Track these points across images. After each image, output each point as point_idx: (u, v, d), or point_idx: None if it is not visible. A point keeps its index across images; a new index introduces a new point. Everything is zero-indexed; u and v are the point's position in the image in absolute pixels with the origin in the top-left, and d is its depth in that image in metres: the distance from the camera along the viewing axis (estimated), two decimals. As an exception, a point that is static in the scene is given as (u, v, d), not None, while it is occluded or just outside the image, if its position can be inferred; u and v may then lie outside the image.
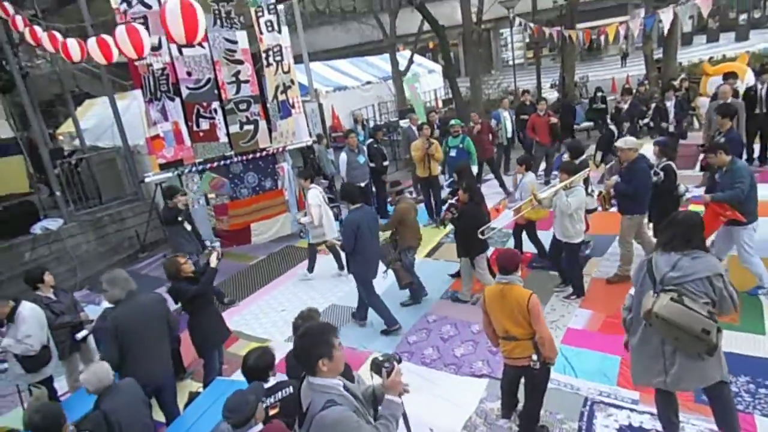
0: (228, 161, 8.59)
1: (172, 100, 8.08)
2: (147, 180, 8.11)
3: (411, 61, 18.92)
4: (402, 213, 6.33)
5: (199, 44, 8.03)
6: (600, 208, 6.88)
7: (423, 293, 6.67)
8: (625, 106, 9.85)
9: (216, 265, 5.05)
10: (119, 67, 21.74)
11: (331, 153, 10.90)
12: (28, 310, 4.68)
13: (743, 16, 32.58)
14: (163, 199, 7.16)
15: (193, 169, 8.39)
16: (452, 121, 9.55)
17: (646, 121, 10.25)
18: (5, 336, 4.66)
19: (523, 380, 4.12)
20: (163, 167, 8.04)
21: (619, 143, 6.17)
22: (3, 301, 4.63)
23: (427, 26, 17.46)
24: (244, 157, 8.71)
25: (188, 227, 7.04)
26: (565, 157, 7.49)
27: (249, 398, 3.14)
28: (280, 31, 8.71)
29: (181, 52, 7.98)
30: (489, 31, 32.62)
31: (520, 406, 4.31)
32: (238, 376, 5.36)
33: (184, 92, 8.10)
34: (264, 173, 8.99)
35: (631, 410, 4.29)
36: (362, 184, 8.98)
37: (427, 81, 21.07)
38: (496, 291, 3.92)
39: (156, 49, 7.68)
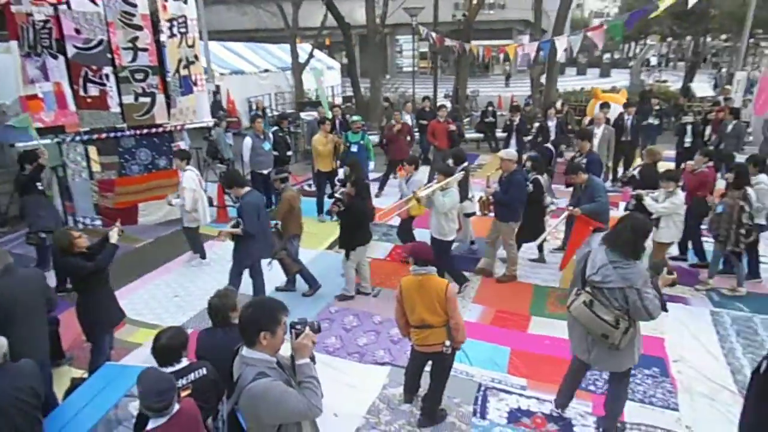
0: (119, 134, 7.91)
1: (55, 57, 7.26)
2: (19, 146, 7.18)
3: (311, 55, 18.85)
4: (291, 200, 6.42)
5: (91, 0, 7.34)
6: (479, 213, 7.52)
7: (316, 283, 6.70)
8: (516, 121, 10.71)
9: (116, 240, 4.66)
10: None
11: (230, 137, 10.50)
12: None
13: (607, 55, 36.93)
14: (19, 163, 6.28)
15: (77, 138, 7.61)
16: (354, 117, 9.71)
17: (529, 138, 11.21)
18: None
19: (429, 366, 4.34)
20: (41, 132, 7.19)
21: (500, 154, 6.87)
22: None
23: (329, 21, 17.52)
24: (138, 132, 8.08)
25: (49, 199, 6.26)
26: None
27: (167, 376, 2.99)
28: (186, 2, 8.21)
29: (69, 6, 7.21)
30: (386, 36, 33.43)
31: (421, 391, 4.55)
32: (126, 362, 5.06)
33: (70, 51, 7.31)
34: (159, 151, 8.40)
35: (520, 395, 4.71)
36: (265, 172, 8.78)
37: (326, 77, 21.10)
38: (414, 281, 4.09)
39: (37, -2, 6.87)
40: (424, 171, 9.65)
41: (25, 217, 6.03)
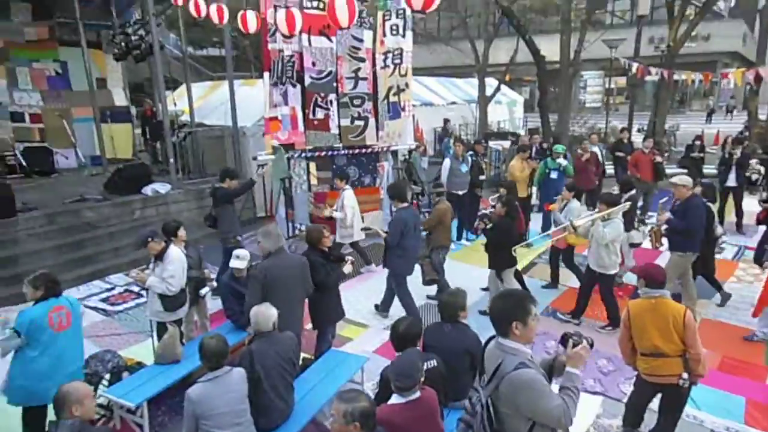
0: (334, 152, 8.86)
1: (294, 86, 8.46)
2: (259, 158, 8.43)
3: (498, 89, 19.11)
4: (441, 213, 6.72)
5: (327, 37, 8.41)
6: (650, 245, 6.94)
7: None
8: (737, 155, 9.57)
9: (348, 271, 5.41)
10: (209, 58, 22.79)
11: (425, 161, 11.05)
12: (174, 252, 4.95)
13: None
14: (221, 178, 7.19)
15: (302, 155, 8.69)
16: (556, 146, 9.56)
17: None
18: (152, 274, 4.92)
19: (658, 399, 4.01)
20: (275, 149, 8.38)
21: (674, 179, 6.19)
22: (158, 239, 4.91)
23: (520, 57, 17.65)
24: (350, 151, 8.97)
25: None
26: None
27: (418, 363, 3.19)
28: (404, 36, 8.98)
29: (310, 43, 8.36)
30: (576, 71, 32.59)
31: (644, 426, 4.21)
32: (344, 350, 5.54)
33: (307, 80, 8.46)
34: (365, 169, 9.21)
35: (763, 451, 4.10)
36: (460, 193, 9.04)
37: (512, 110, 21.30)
38: (646, 305, 3.86)
39: (288, 37, 8.06)
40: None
41: (220, 225, 6.98)
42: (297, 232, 8.95)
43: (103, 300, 7.24)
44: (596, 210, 6.31)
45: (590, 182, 9.42)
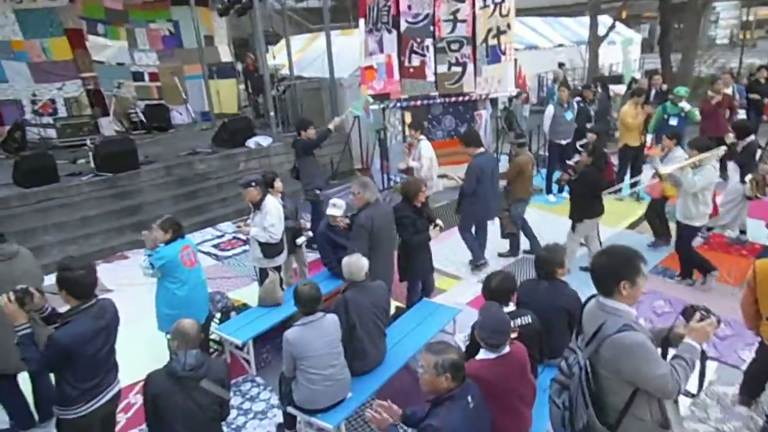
0: (430, 101, 8.63)
1: (390, 32, 8.26)
2: (353, 110, 8.44)
3: (612, 27, 17.42)
4: (521, 164, 6.43)
5: (423, -21, 8.04)
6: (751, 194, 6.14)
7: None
8: None
9: (435, 236, 5.22)
10: (308, 11, 22.84)
11: (526, 110, 10.47)
12: (271, 202, 5.14)
13: None
14: (297, 130, 7.26)
15: (397, 104, 8.57)
16: (677, 89, 8.56)
17: None
18: (253, 224, 5.17)
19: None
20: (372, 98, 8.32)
21: None
22: (260, 188, 5.12)
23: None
24: (446, 100, 8.69)
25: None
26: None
27: (507, 318, 3.09)
28: (505, -29, 8.38)
29: (404, -16, 8.06)
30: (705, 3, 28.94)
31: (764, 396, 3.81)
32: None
33: (403, 26, 8.22)
34: (462, 118, 8.91)
35: None
36: (563, 142, 8.48)
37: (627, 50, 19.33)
38: (777, 265, 3.40)
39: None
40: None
41: (302, 177, 7.05)
42: (392, 184, 8.96)
43: (214, 246, 7.80)
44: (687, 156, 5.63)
45: (720, 129, 8.38)
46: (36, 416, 4.10)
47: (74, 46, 11.22)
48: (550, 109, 8.63)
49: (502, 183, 6.75)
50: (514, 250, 6.85)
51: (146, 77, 12.48)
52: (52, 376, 3.80)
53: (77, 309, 3.05)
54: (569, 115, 8.48)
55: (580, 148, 6.58)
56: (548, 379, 3.62)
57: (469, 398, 2.61)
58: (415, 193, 4.95)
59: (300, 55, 12.91)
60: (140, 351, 4.51)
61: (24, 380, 4.04)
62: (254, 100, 13.12)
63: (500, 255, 6.81)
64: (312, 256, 6.47)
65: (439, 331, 4.76)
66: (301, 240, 5.88)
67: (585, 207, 5.94)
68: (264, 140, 9.84)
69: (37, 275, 4.01)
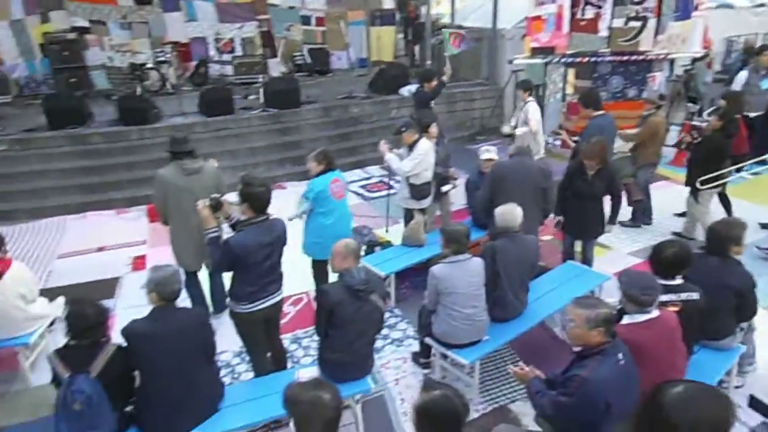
0: (598, 58, 8.00)
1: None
2: (516, 62, 8.15)
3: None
4: (656, 126, 6.10)
5: None
6: None
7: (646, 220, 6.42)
8: None
9: None
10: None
11: (709, 75, 9.26)
12: (424, 144, 5.24)
13: None
14: (419, 81, 7.19)
15: (562, 60, 8.08)
16: None
17: None
18: (403, 162, 5.32)
19: None
20: (535, 52, 7.94)
21: None
22: (412, 131, 5.24)
23: None
24: (617, 58, 7.98)
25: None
26: None
27: (655, 279, 2.93)
28: None
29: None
30: None
31: None
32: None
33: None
34: (632, 80, 8.14)
35: None
36: (752, 115, 7.39)
37: None
38: None
39: None
40: None
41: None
42: (546, 146, 8.55)
43: (362, 187, 8.20)
44: None
45: None
46: (211, 308, 4.78)
47: (253, -11, 12.12)
48: (742, 75, 7.54)
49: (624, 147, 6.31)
50: (640, 218, 6.42)
51: (313, 21, 13.11)
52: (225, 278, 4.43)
53: (250, 221, 3.45)
54: (765, 84, 7.33)
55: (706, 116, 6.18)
56: (703, 359, 3.38)
57: (620, 355, 2.53)
58: (593, 156, 4.67)
59: (463, 3, 12.64)
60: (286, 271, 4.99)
61: (204, 279, 4.73)
62: (411, 49, 13.21)
63: (622, 224, 6.22)
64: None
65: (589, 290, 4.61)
66: (447, 187, 5.94)
67: (702, 175, 5.45)
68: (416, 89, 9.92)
69: (220, 189, 4.54)
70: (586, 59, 7.97)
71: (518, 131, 6.90)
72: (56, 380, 2.95)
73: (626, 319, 2.86)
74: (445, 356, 3.96)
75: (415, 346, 4.41)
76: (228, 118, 8.86)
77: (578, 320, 2.53)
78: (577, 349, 2.61)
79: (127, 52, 11.46)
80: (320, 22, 13.11)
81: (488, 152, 5.26)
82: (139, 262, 6.10)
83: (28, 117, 9.07)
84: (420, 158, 5.17)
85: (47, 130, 8.27)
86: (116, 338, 3.10)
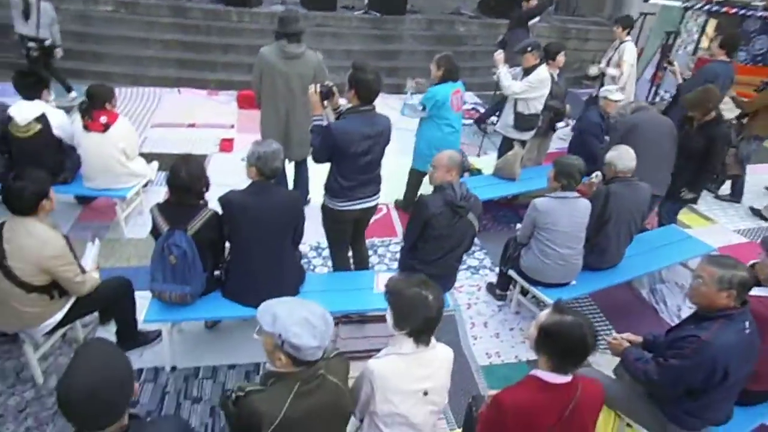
0: (748, 12, 7.04)
1: None
2: (651, 1, 7.30)
3: None
4: None
5: None
6: None
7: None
8: None
9: None
10: None
11: None
12: (542, 71, 4.85)
13: None
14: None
15: (705, 7, 7.17)
16: None
17: None
18: (515, 81, 4.95)
19: None
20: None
21: None
22: (536, 53, 4.84)
23: None
24: (771, 14, 7.01)
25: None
26: None
27: None
28: None
29: None
30: None
31: None
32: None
33: None
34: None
35: None
36: None
37: None
38: None
39: None
40: None
41: (508, 48, 6.25)
42: (658, 99, 7.84)
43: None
44: None
45: None
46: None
47: None
48: None
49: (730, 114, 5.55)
50: (737, 194, 5.91)
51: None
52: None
53: (355, 109, 3.27)
54: None
55: None
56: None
57: (747, 323, 2.29)
58: (693, 105, 4.17)
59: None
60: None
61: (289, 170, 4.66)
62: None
63: (719, 198, 5.95)
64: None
65: (679, 262, 4.28)
66: (561, 125, 5.55)
67: None
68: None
69: (318, 79, 4.35)
70: (734, 10, 7.03)
71: (609, 71, 6.16)
72: (155, 232, 3.03)
73: (755, 291, 2.59)
74: (524, 292, 3.82)
75: (490, 277, 4.30)
76: (329, 14, 8.57)
77: (708, 278, 2.29)
78: (697, 309, 2.39)
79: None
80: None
81: (616, 93, 4.80)
82: (226, 144, 6.18)
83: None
84: (535, 84, 4.80)
85: (152, -2, 8.30)
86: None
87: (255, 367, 3.32)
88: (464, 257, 4.34)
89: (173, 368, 3.26)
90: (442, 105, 4.39)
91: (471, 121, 7.32)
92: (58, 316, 2.93)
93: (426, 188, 3.98)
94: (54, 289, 2.84)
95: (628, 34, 6.21)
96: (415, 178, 4.80)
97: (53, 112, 4.17)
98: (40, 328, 2.88)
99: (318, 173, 3.88)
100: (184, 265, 2.95)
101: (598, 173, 3.99)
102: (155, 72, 7.60)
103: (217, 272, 3.23)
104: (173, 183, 2.98)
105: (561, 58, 5.18)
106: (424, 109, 4.53)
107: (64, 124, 4.21)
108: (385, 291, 2.15)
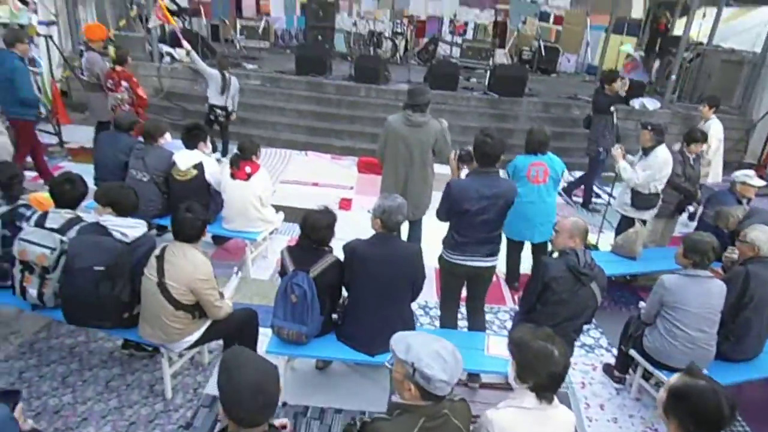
0: None
1: None
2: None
3: None
4: None
5: None
6: None
7: None
8: None
9: None
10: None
11: None
12: (663, 152, 4.75)
13: None
14: (601, 82, 6.70)
15: None
16: None
17: None
18: (636, 164, 4.90)
19: None
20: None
21: None
22: (651, 135, 4.79)
23: None
24: None
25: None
26: None
27: None
28: None
29: None
30: None
31: None
32: None
33: None
34: None
35: None
36: None
37: None
38: None
39: None
40: None
41: (591, 131, 6.64)
42: None
43: (564, 190, 7.76)
44: None
45: None
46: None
47: (502, -21, 12.15)
48: None
49: None
50: None
51: (551, 19, 12.75)
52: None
53: (477, 170, 3.46)
54: None
55: None
56: None
57: None
58: None
59: (727, 24, 11.19)
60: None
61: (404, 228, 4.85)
62: (650, 63, 12.12)
63: None
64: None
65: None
66: (691, 209, 5.29)
67: None
68: (651, 103, 9.10)
69: (439, 146, 4.54)
70: None
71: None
72: (282, 272, 3.29)
73: None
74: (646, 376, 3.56)
75: (606, 358, 4.07)
76: (448, 93, 9.05)
77: None
78: None
79: (370, 20, 12.37)
80: (558, 20, 12.69)
81: (751, 177, 4.56)
82: (345, 203, 6.57)
83: (280, 62, 10.35)
84: (656, 169, 4.70)
85: (293, 74, 9.32)
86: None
87: (361, 415, 3.35)
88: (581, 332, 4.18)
89: (284, 403, 3.39)
90: (518, 174, 4.47)
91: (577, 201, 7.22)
92: (196, 336, 3.22)
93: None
94: (196, 309, 3.15)
95: (715, 112, 6.46)
96: (509, 248, 4.81)
97: (208, 161, 4.78)
98: (179, 344, 3.18)
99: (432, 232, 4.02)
100: (303, 305, 3.14)
101: (734, 249, 3.74)
102: (287, 136, 8.40)
103: (334, 315, 3.40)
104: (306, 228, 3.26)
105: (697, 147, 5.06)
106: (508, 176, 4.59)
107: (216, 171, 4.78)
108: (509, 342, 2.16)
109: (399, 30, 11.86)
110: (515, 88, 9.03)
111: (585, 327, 4.42)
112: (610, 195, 6.08)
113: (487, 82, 9.28)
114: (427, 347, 1.89)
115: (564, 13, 12.50)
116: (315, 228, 3.21)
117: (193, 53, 7.33)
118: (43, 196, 4.25)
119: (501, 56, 12.32)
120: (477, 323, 3.80)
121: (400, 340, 1.95)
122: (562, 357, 2.02)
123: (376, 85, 9.06)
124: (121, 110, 6.26)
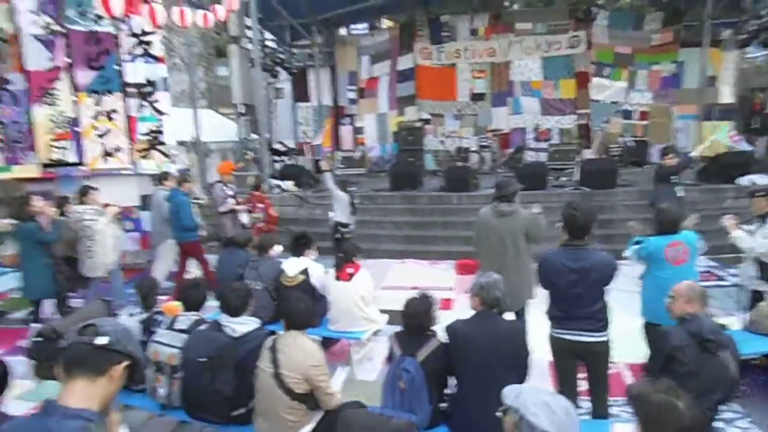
0: None
1: None
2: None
3: None
4: None
5: None
6: None
7: None
8: None
9: None
10: None
11: None
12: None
13: None
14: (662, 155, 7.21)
15: None
16: None
17: None
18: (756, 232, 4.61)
19: None
20: None
21: None
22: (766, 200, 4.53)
23: None
24: None
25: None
26: None
27: None
28: None
29: None
30: None
31: None
32: None
33: None
34: None
35: None
36: None
37: None
38: None
39: None
40: None
41: (654, 206, 6.20)
42: None
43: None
44: None
45: None
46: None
47: (579, 85, 12.66)
48: None
49: None
50: None
51: (634, 115, 12.80)
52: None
53: (565, 243, 3.44)
54: None
55: None
56: None
57: None
58: None
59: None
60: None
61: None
62: (753, 140, 11.58)
63: None
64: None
65: None
66: None
67: None
68: (761, 179, 8.57)
69: (530, 232, 4.54)
70: None
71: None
72: (389, 359, 3.36)
73: None
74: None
75: (761, 452, 3.52)
76: (538, 192, 9.14)
77: None
78: None
79: (456, 138, 13.16)
80: (643, 115, 12.71)
81: None
82: (444, 303, 6.59)
83: (375, 182, 11.16)
84: None
85: (389, 191, 9.98)
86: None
87: None
88: (720, 425, 3.74)
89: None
90: (655, 257, 4.18)
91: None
92: (307, 429, 3.27)
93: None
94: (310, 399, 3.23)
95: None
96: (647, 332, 4.44)
97: (314, 266, 5.13)
98: (292, 437, 3.23)
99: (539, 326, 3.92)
100: (411, 391, 3.14)
101: None
102: (386, 246, 8.78)
103: (443, 404, 3.32)
104: (406, 315, 3.37)
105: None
106: (636, 257, 4.36)
107: (321, 275, 5.10)
108: (627, 397, 2.03)
109: (485, 143, 12.44)
110: (607, 180, 8.95)
111: (732, 416, 3.95)
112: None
113: (578, 177, 9.28)
114: (535, 396, 1.85)
115: (648, 107, 12.50)
116: (414, 314, 3.32)
117: (327, 175, 8.04)
118: (174, 304, 4.74)
119: (589, 155, 12.37)
120: (599, 410, 3.52)
121: (511, 389, 1.92)
122: (688, 410, 1.86)
123: (467, 193, 9.39)
124: (257, 227, 7.48)
